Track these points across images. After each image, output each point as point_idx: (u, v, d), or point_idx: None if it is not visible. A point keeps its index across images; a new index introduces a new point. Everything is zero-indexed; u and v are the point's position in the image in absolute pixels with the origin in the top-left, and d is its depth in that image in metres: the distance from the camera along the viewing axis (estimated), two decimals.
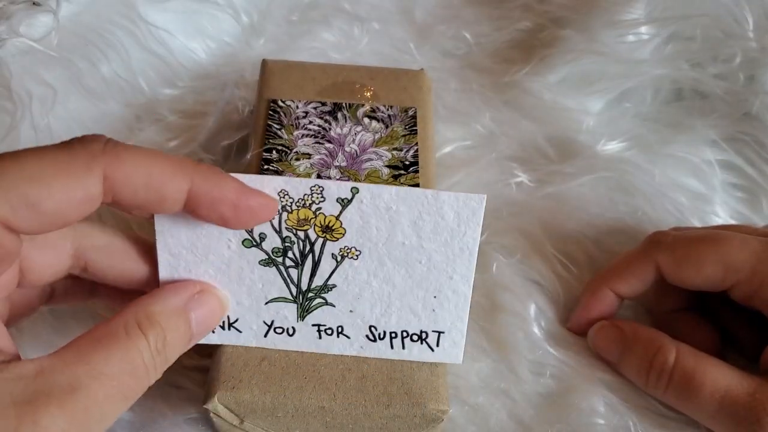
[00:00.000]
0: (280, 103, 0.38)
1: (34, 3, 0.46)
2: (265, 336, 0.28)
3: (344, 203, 0.26)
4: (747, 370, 0.31)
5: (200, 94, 0.47)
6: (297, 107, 0.38)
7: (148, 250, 0.27)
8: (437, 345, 0.28)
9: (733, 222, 0.42)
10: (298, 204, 0.26)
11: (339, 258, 0.27)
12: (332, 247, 0.26)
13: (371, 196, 0.25)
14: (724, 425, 0.31)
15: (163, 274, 0.27)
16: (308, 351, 0.28)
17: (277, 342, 0.28)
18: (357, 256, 0.27)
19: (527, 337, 0.36)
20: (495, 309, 0.37)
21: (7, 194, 0.21)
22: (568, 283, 0.39)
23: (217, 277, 0.27)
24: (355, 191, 0.25)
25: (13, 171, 0.21)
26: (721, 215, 0.43)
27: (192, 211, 0.24)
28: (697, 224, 0.41)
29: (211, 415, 0.29)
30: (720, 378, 0.31)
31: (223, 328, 0.28)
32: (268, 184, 0.25)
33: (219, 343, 0.28)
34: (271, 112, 0.38)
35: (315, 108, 0.38)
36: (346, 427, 0.30)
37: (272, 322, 0.28)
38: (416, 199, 0.25)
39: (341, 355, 0.30)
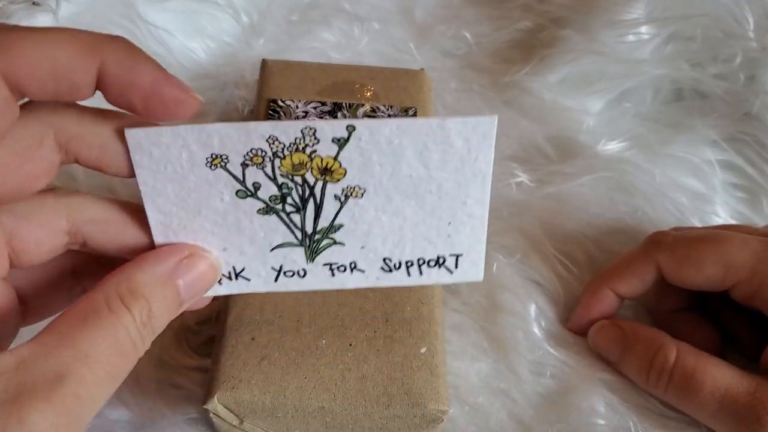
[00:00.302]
0: (280, 103, 0.38)
1: (34, 3, 0.46)
2: (276, 280, 0.27)
3: (341, 143, 0.24)
4: (747, 370, 0.31)
5: (200, 94, 0.46)
6: (297, 107, 0.38)
7: (147, 219, 0.25)
8: (456, 267, 0.27)
9: (733, 222, 0.42)
10: (290, 149, 0.24)
11: (343, 198, 0.25)
12: (334, 189, 0.25)
13: (370, 132, 0.24)
14: (724, 424, 0.31)
15: (157, 233, 0.25)
16: (323, 289, 0.27)
17: (289, 284, 0.27)
18: (362, 194, 0.25)
19: (527, 337, 0.36)
20: (495, 309, 0.37)
21: None
22: (568, 283, 0.39)
23: (214, 230, 0.25)
24: (351, 129, 0.24)
25: None
26: (721, 215, 0.43)
27: (104, 95, 0.22)
28: (697, 224, 0.41)
29: (211, 415, 0.29)
30: (720, 377, 0.31)
31: (230, 278, 0.27)
32: (255, 130, 0.24)
33: (227, 293, 0.27)
34: (271, 112, 0.38)
35: (315, 108, 0.38)
36: (346, 427, 0.30)
37: (281, 267, 0.27)
38: (420, 129, 0.24)
39: (341, 355, 0.30)
